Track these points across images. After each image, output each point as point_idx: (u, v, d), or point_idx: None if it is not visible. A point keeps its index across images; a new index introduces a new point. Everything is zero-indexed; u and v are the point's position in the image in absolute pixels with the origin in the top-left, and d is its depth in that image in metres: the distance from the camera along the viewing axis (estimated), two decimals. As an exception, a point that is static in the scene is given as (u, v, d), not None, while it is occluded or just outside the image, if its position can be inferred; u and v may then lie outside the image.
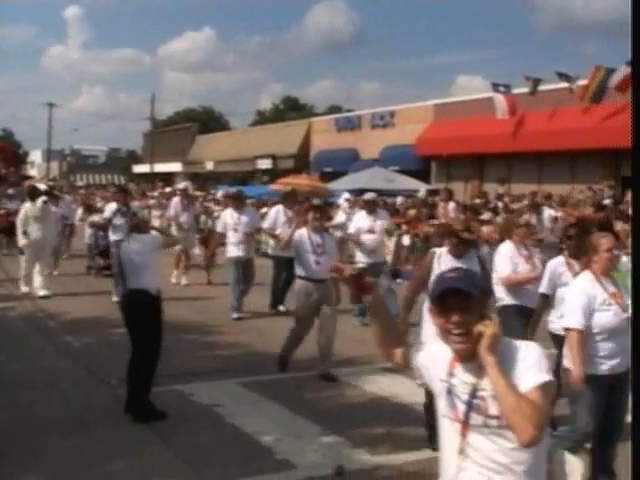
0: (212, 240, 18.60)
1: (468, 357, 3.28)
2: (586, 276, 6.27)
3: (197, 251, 20.06)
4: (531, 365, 3.20)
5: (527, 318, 8.33)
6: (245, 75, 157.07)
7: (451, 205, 22.23)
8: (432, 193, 27.79)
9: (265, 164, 49.13)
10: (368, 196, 14.75)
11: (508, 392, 3.08)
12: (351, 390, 9.36)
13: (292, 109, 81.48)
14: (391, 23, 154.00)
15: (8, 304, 14.26)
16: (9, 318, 13.21)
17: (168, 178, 57.80)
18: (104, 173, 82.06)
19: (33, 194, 16.31)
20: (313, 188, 28.46)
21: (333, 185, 31.55)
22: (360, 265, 3.58)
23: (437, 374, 3.45)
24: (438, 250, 7.64)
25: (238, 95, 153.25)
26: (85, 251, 20.53)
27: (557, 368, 6.11)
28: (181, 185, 20.64)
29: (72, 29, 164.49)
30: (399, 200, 26.05)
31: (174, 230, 17.93)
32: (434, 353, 3.50)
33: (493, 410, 3.21)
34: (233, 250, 14.31)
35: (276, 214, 14.70)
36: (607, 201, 20.96)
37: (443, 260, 7.46)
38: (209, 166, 57.29)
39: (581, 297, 6.10)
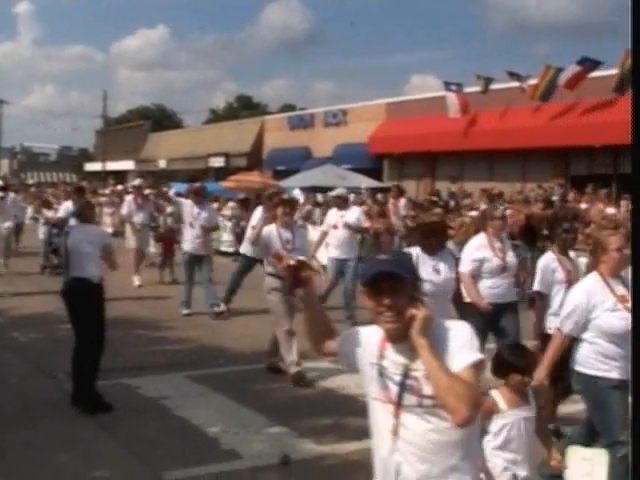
0: (172, 237, 18.84)
1: (399, 338, 3.29)
2: (593, 277, 5.94)
3: (152, 250, 19.56)
4: (462, 345, 3.23)
5: (498, 315, 8.44)
6: (199, 73, 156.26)
7: (402, 202, 22.38)
8: (385, 191, 27.86)
9: (218, 162, 48.98)
10: (337, 192, 14.62)
11: (441, 374, 3.09)
12: (298, 383, 9.39)
13: (246, 108, 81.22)
14: (346, 23, 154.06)
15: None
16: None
17: (120, 176, 57.41)
18: (55, 171, 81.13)
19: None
20: (265, 185, 28.43)
21: (285, 183, 31.52)
22: (300, 258, 3.53)
23: (367, 358, 3.46)
24: (413, 250, 7.23)
25: (192, 93, 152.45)
26: (38, 249, 20.19)
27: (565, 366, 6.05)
28: (135, 182, 19.90)
29: (23, 26, 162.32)
30: (351, 197, 26.12)
31: (128, 229, 18.03)
32: (363, 337, 3.52)
33: (427, 390, 3.21)
34: (188, 245, 14.07)
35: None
36: (555, 197, 21.22)
37: (422, 260, 7.10)
38: (162, 164, 56.99)
39: (581, 300, 5.83)
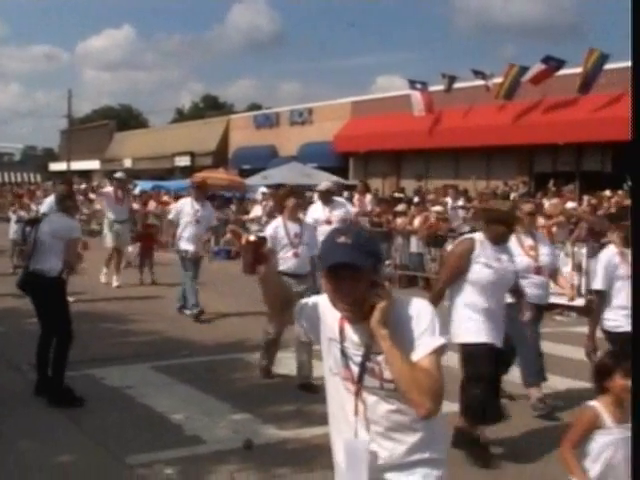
0: (150, 236, 18.38)
1: (358, 320, 3.20)
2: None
3: (130, 249, 18.72)
4: (424, 329, 3.15)
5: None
6: (165, 74, 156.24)
7: (368, 197, 22.53)
8: (351, 188, 27.94)
9: (184, 161, 48.87)
10: (323, 186, 13.78)
11: (403, 366, 3.01)
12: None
13: (212, 108, 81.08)
14: (312, 24, 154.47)
15: None
16: None
17: (85, 176, 57.13)
18: (20, 171, 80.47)
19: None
20: (230, 182, 28.52)
21: (251, 180, 31.59)
22: (260, 234, 3.49)
23: (326, 332, 3.39)
24: (478, 236, 6.89)
25: (158, 94, 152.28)
26: (4, 248, 19.99)
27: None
28: (118, 174, 18.20)
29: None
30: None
31: (105, 225, 17.12)
32: (321, 309, 3.42)
33: (388, 375, 3.12)
34: (187, 244, 13.28)
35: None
36: (514, 195, 21.48)
37: (484, 245, 6.74)
38: (127, 163, 56.69)
39: None
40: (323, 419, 7.26)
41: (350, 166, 36.89)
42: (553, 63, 25.76)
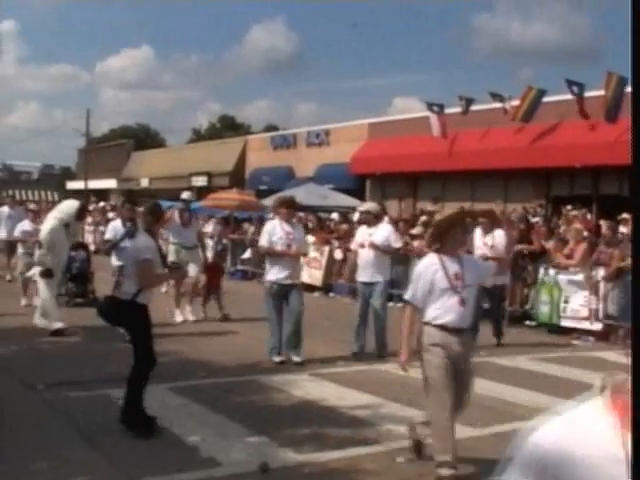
0: (217, 264, 17.34)
1: None
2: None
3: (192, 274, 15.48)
4: None
5: None
6: (183, 93, 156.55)
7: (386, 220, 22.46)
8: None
9: (200, 181, 48.98)
10: (364, 207, 13.23)
11: None
12: (278, 394, 9.44)
13: (229, 128, 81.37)
14: (329, 45, 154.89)
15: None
16: None
17: (102, 195, 57.36)
18: (37, 189, 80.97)
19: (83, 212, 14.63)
20: (241, 202, 28.52)
21: (268, 201, 31.61)
22: None
23: None
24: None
25: (175, 113, 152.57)
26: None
27: None
28: (185, 195, 16.42)
29: (7, 44, 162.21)
30: (334, 216, 26.27)
31: (171, 253, 14.90)
32: None
33: None
34: (278, 272, 11.44)
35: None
36: (537, 219, 21.37)
37: None
38: (144, 183, 56.93)
39: None
40: (339, 443, 7.35)
41: (367, 188, 36.87)
42: (575, 88, 25.68)
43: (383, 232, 12.40)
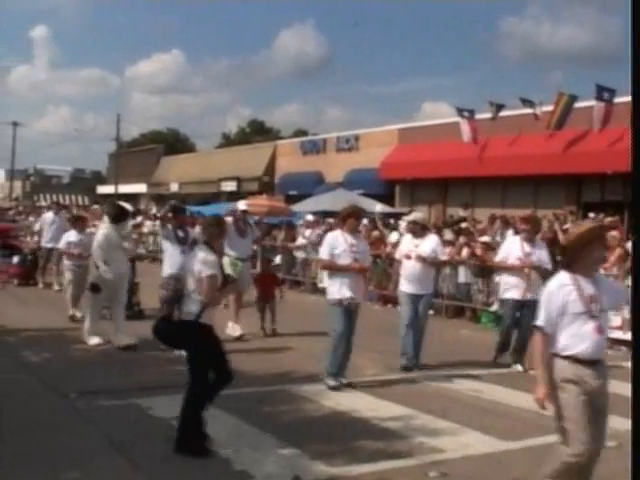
0: (272, 276, 16.05)
1: None
2: None
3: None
4: None
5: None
6: (212, 98, 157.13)
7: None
8: (397, 216, 27.87)
9: (230, 186, 49.11)
10: (411, 216, 12.86)
11: None
12: (309, 405, 9.39)
13: (258, 133, 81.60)
14: (358, 50, 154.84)
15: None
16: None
17: (133, 199, 57.64)
18: (68, 193, 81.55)
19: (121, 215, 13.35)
20: (272, 209, 28.53)
21: (297, 207, 31.68)
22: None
23: None
24: None
25: (205, 118, 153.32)
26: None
27: None
28: (241, 205, 15.50)
29: (39, 49, 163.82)
30: (364, 222, 26.16)
31: (227, 264, 13.89)
32: None
33: None
34: (343, 289, 10.49)
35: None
36: (567, 226, 21.19)
37: None
38: (174, 187, 57.17)
39: None
40: (371, 456, 7.30)
41: (396, 193, 36.83)
42: (606, 95, 25.50)
43: (430, 244, 12.02)
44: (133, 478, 6.79)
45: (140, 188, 62.86)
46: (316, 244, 22.40)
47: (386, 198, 34.15)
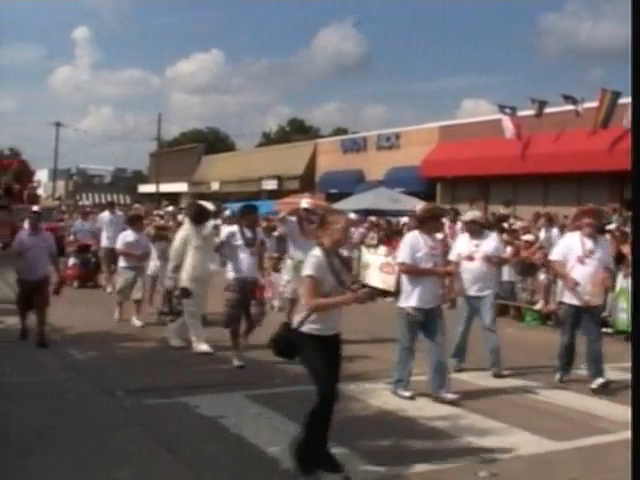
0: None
1: None
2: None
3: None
4: None
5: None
6: (252, 97, 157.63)
7: (458, 225, 22.22)
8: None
9: (271, 185, 49.22)
10: (469, 215, 12.13)
11: None
12: (356, 404, 9.33)
13: (298, 131, 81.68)
14: (397, 47, 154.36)
15: (11, 319, 14.12)
16: (13, 332, 13.15)
17: (174, 198, 57.96)
18: (110, 193, 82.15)
19: (200, 215, 12.84)
20: (314, 207, 28.47)
21: (339, 205, 31.59)
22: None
23: None
24: None
25: (244, 117, 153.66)
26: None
27: None
28: (304, 203, 14.50)
29: (80, 50, 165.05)
30: (405, 220, 26.07)
31: (289, 267, 13.32)
32: None
33: None
34: (421, 295, 9.74)
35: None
36: (612, 225, 20.98)
37: None
38: (215, 186, 57.42)
39: None
40: (420, 456, 7.25)
41: (437, 191, 36.70)
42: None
43: (492, 242, 11.55)
44: (184, 478, 6.79)
45: (181, 187, 63.18)
46: (358, 243, 22.40)
47: (427, 196, 33.99)
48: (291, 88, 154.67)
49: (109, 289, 19.21)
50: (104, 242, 20.59)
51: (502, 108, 31.64)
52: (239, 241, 11.45)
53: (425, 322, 9.71)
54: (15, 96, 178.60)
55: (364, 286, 9.23)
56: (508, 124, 31.03)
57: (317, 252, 6.78)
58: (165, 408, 8.86)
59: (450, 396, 9.44)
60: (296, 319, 6.80)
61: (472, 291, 11.30)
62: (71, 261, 21.56)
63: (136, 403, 9.07)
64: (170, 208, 36.30)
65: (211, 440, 7.78)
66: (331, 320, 6.78)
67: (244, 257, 11.39)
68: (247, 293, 11.35)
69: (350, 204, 30.81)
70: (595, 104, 27.78)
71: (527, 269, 17.56)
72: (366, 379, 10.49)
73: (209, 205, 13.55)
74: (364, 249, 22.10)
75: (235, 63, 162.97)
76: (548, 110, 30.23)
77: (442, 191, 36.70)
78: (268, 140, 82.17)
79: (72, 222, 26.94)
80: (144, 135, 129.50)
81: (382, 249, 21.26)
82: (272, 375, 10.53)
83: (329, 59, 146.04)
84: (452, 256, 11.62)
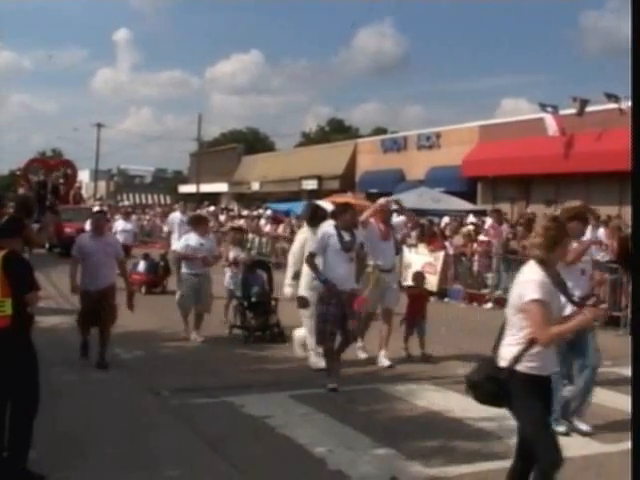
0: (423, 290, 13.68)
1: None
2: None
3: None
4: None
5: None
6: (291, 97, 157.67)
7: (504, 227, 22.11)
8: (480, 213, 27.66)
9: (311, 185, 49.20)
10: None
11: None
12: (402, 404, 9.33)
13: (337, 131, 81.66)
14: (437, 47, 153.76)
15: (59, 318, 14.25)
16: (60, 332, 13.26)
17: (214, 198, 58.18)
18: (150, 193, 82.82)
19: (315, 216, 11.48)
20: (358, 207, 28.46)
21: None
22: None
23: None
24: None
25: (284, 117, 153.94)
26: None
27: None
28: (383, 200, 12.70)
29: (121, 52, 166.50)
30: (446, 220, 26.02)
31: (371, 278, 11.51)
32: None
33: None
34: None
35: None
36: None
37: None
38: (255, 186, 57.54)
39: None
40: (468, 456, 7.21)
41: (478, 191, 36.51)
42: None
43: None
44: (231, 477, 6.81)
45: (221, 187, 63.37)
46: (400, 242, 22.33)
47: (468, 195, 33.86)
48: (330, 88, 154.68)
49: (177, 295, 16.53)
50: (175, 245, 17.82)
51: (543, 106, 31.37)
52: (336, 245, 9.89)
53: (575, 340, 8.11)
54: (57, 98, 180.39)
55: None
56: (551, 122, 30.76)
57: (535, 269, 5.48)
58: (210, 408, 8.89)
59: (585, 427, 8.33)
60: (506, 354, 5.40)
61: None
62: (140, 266, 20.29)
63: (181, 402, 9.13)
64: (212, 208, 36.50)
65: (257, 440, 7.81)
66: (550, 355, 5.53)
67: (341, 263, 9.88)
68: (344, 306, 9.79)
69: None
70: None
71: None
72: (412, 380, 10.47)
73: (326, 204, 12.35)
74: (405, 249, 22.03)
75: (274, 63, 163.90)
76: (590, 109, 29.95)
77: (483, 191, 36.48)
78: (307, 140, 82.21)
79: (112, 222, 24.80)
80: (184, 135, 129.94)
81: (423, 249, 21.16)
82: (317, 375, 10.52)
83: (368, 59, 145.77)
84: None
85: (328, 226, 10.17)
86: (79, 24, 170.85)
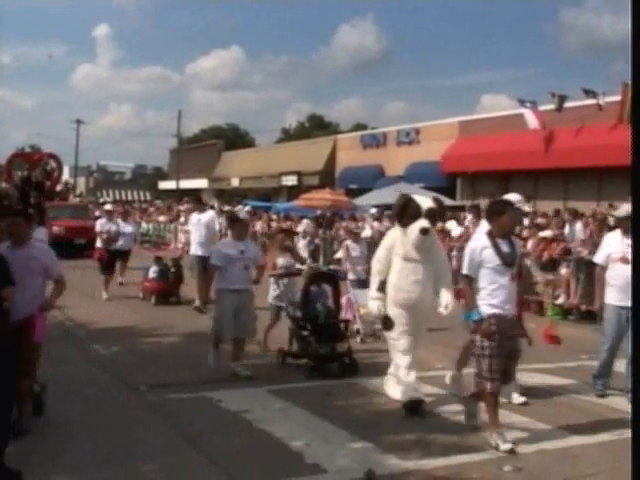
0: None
1: None
2: None
3: None
4: None
5: None
6: (271, 94, 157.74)
7: (482, 222, 22.15)
8: (458, 209, 27.76)
9: (290, 181, 49.26)
10: (623, 211, 9.87)
11: None
12: (379, 398, 9.34)
13: (317, 127, 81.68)
14: (418, 43, 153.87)
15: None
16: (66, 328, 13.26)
17: (194, 194, 58.07)
18: (130, 189, 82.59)
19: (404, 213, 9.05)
20: (335, 203, 28.49)
21: (359, 201, 31.64)
22: None
23: None
24: None
25: (264, 113, 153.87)
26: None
27: None
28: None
29: (101, 48, 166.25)
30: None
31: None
32: None
33: None
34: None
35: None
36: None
37: None
38: (234, 182, 57.52)
39: None
40: (444, 449, 7.26)
41: (457, 186, 36.63)
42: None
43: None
44: (209, 472, 6.81)
45: (201, 183, 63.30)
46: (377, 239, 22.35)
47: (447, 191, 33.95)
48: (311, 84, 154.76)
49: (196, 302, 15.47)
50: (194, 249, 16.59)
51: (522, 102, 31.41)
52: (495, 260, 7.63)
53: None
54: (36, 94, 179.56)
55: None
56: (530, 116, 30.82)
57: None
58: (188, 403, 8.88)
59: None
60: None
61: (622, 301, 9.25)
62: (151, 271, 18.12)
63: (159, 398, 9.13)
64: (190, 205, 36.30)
65: (235, 434, 7.82)
66: None
67: (504, 283, 7.64)
68: (506, 337, 7.63)
69: (370, 199, 30.85)
70: (617, 97, 27.55)
71: (548, 263, 17.55)
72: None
73: (422, 199, 9.34)
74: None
75: (255, 59, 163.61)
76: (568, 104, 30.03)
77: (462, 186, 36.63)
78: (288, 136, 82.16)
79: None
80: (164, 132, 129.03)
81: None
82: (295, 370, 10.56)
83: (349, 55, 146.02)
84: (599, 258, 9.97)
85: (479, 236, 8.05)
86: (59, 20, 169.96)
